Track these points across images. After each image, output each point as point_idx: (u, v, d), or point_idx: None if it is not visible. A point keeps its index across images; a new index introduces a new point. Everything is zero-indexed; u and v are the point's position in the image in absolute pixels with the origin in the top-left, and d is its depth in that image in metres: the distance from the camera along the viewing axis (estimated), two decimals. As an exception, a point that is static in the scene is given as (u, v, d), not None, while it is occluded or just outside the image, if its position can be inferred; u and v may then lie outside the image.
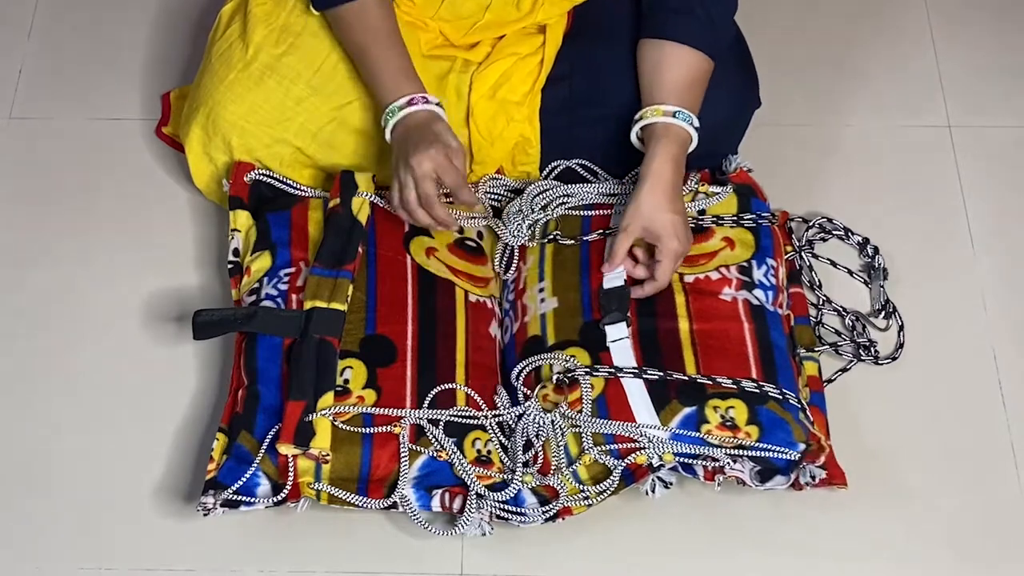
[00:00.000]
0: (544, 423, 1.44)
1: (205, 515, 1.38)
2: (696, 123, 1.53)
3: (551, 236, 1.59)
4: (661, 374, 1.44)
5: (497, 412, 1.46)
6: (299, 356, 1.44)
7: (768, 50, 1.70)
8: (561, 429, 1.44)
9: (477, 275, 1.57)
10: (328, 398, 1.42)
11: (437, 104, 1.53)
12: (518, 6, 1.62)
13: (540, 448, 1.44)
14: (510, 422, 1.46)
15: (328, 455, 1.40)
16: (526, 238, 1.59)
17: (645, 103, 1.55)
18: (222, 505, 1.39)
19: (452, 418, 1.44)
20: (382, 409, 1.42)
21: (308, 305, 1.47)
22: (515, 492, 1.42)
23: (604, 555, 1.45)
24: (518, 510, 1.42)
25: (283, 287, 1.52)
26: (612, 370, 1.45)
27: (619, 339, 1.48)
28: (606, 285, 1.51)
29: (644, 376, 1.44)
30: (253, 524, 1.45)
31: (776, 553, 1.46)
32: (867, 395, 1.57)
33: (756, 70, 1.68)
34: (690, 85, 1.54)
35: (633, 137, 1.56)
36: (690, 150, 1.54)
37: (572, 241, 1.57)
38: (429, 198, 1.48)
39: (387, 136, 1.53)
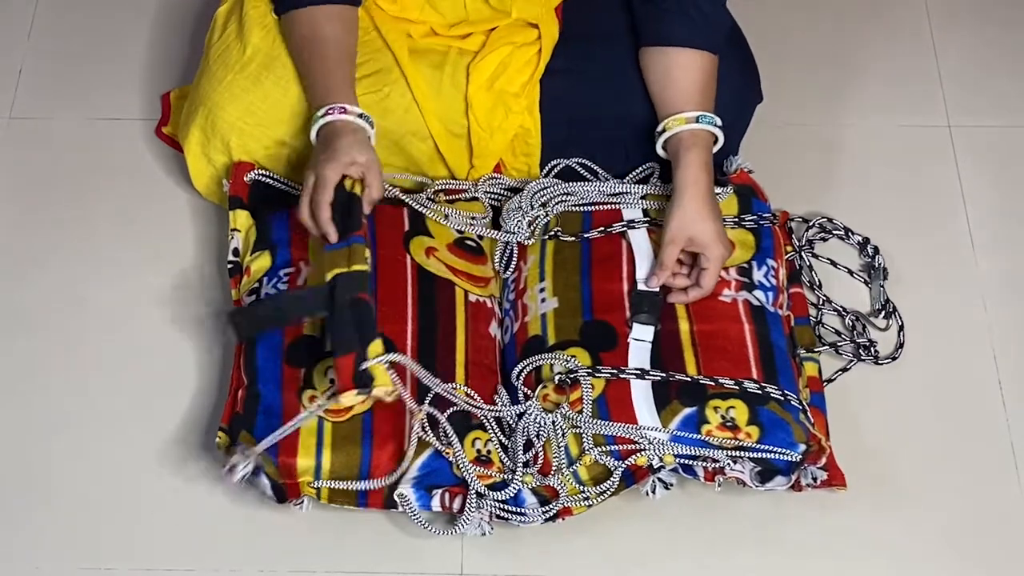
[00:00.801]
0: (545, 423, 1.44)
1: (239, 478, 1.37)
2: (719, 122, 1.54)
3: (552, 233, 1.59)
4: (664, 375, 1.45)
5: (497, 409, 1.46)
6: (334, 320, 1.39)
7: (768, 50, 1.70)
8: (562, 429, 1.44)
9: (477, 275, 1.57)
10: (377, 345, 1.37)
11: (360, 116, 1.51)
12: (490, 2, 1.62)
13: (540, 448, 1.44)
14: (510, 421, 1.46)
15: (394, 391, 1.37)
16: (526, 235, 1.59)
17: (663, 113, 1.56)
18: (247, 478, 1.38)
19: (457, 405, 1.43)
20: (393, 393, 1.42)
21: (329, 276, 1.42)
22: (515, 492, 1.42)
23: (604, 555, 1.45)
24: (518, 510, 1.42)
25: (283, 286, 1.52)
26: (614, 371, 1.45)
27: (642, 339, 1.48)
28: (640, 287, 1.52)
29: (647, 378, 1.44)
30: (253, 524, 1.45)
31: (776, 553, 1.46)
32: (867, 395, 1.57)
33: (756, 65, 1.68)
34: (703, 86, 1.55)
35: (659, 148, 1.57)
36: (715, 150, 1.55)
37: (573, 238, 1.57)
38: (318, 205, 1.46)
39: (312, 138, 1.53)
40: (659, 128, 1.56)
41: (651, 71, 1.57)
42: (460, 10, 1.63)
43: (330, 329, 1.41)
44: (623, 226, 1.57)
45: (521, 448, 1.44)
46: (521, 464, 1.42)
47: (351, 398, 1.36)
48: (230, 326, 1.45)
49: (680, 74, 1.55)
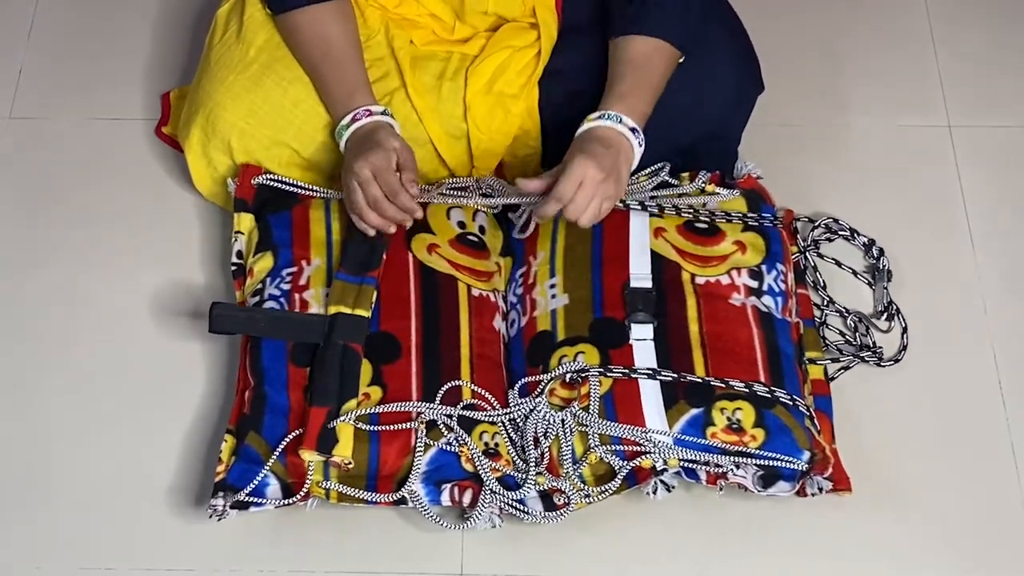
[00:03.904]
0: (553, 421, 1.44)
1: (219, 519, 1.38)
2: (629, 124, 1.49)
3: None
4: (675, 376, 1.45)
5: (508, 411, 1.46)
6: (323, 362, 1.44)
7: (768, 50, 1.69)
8: (570, 428, 1.44)
9: (479, 269, 1.57)
10: (351, 404, 1.43)
11: (383, 112, 1.55)
12: None
13: (547, 447, 1.44)
14: (519, 419, 1.47)
15: (351, 463, 1.41)
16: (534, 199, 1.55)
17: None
18: (232, 507, 1.39)
19: (464, 412, 1.44)
20: (392, 406, 1.43)
21: (332, 310, 1.47)
22: (530, 492, 1.42)
23: (605, 555, 1.45)
24: (523, 507, 1.42)
25: (286, 287, 1.52)
26: (625, 371, 1.45)
27: (643, 339, 1.49)
28: (633, 284, 1.52)
29: (658, 377, 1.45)
30: (253, 524, 1.45)
31: (776, 554, 1.46)
32: (868, 396, 1.57)
33: (756, 54, 1.67)
34: (639, 73, 1.52)
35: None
36: (632, 155, 1.51)
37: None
38: (377, 200, 1.49)
39: (342, 148, 1.55)
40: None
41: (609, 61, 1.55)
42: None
43: (317, 366, 1.44)
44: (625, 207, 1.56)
45: (532, 445, 1.44)
46: (532, 463, 1.42)
47: (311, 456, 1.40)
48: (209, 315, 1.47)
49: (616, 60, 1.53)
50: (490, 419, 1.45)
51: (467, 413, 1.44)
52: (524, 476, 1.42)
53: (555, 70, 1.63)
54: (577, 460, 1.43)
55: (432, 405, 1.44)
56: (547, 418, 1.45)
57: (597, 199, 1.46)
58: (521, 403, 1.46)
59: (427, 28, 1.66)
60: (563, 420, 1.44)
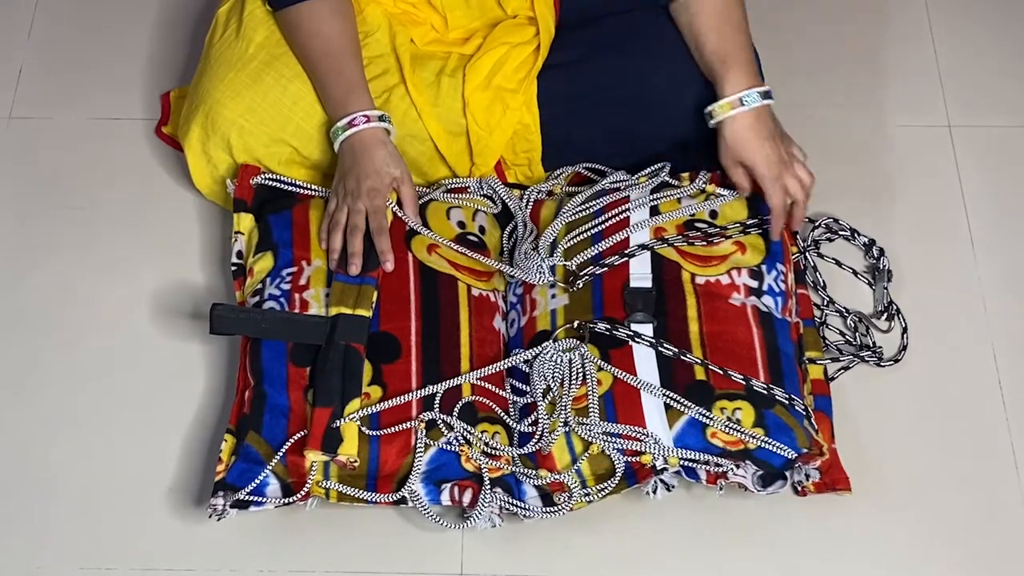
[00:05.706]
0: (561, 362, 1.45)
1: (218, 519, 1.38)
2: (760, 91, 1.55)
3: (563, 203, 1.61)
4: (675, 349, 1.45)
5: (512, 359, 1.47)
6: (325, 362, 1.44)
7: (769, 50, 1.69)
8: (579, 370, 1.44)
9: (479, 269, 1.57)
10: (355, 404, 1.43)
11: (381, 118, 1.54)
12: None
13: (556, 393, 1.44)
14: (524, 368, 1.48)
15: (356, 461, 1.41)
16: (548, 278, 1.55)
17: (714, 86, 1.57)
18: (232, 506, 1.39)
19: (465, 420, 1.44)
20: (391, 401, 1.43)
21: (334, 311, 1.47)
22: (529, 485, 1.43)
23: (604, 555, 1.45)
24: (523, 504, 1.42)
25: (286, 287, 1.52)
26: (630, 334, 1.46)
27: (642, 339, 1.48)
28: (633, 284, 1.51)
29: (658, 348, 1.45)
30: (253, 524, 1.45)
31: (777, 554, 1.46)
32: (868, 396, 1.57)
33: (758, 52, 1.66)
34: (731, 35, 1.56)
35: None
36: (770, 107, 1.57)
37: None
38: (355, 230, 1.51)
39: (335, 148, 1.55)
40: (707, 110, 1.56)
41: (681, 29, 1.59)
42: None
43: (319, 366, 1.44)
44: (628, 252, 1.54)
45: (540, 394, 1.44)
46: (541, 399, 1.43)
47: (316, 456, 1.40)
48: (210, 316, 1.46)
49: (703, 30, 1.56)
50: (501, 415, 1.46)
51: (472, 398, 1.45)
52: (517, 433, 1.43)
53: (553, 64, 1.63)
54: (576, 458, 1.43)
55: (434, 387, 1.44)
56: (555, 358, 1.45)
57: (794, 175, 1.55)
58: (525, 352, 1.48)
59: (426, 24, 1.66)
60: (570, 360, 1.45)
